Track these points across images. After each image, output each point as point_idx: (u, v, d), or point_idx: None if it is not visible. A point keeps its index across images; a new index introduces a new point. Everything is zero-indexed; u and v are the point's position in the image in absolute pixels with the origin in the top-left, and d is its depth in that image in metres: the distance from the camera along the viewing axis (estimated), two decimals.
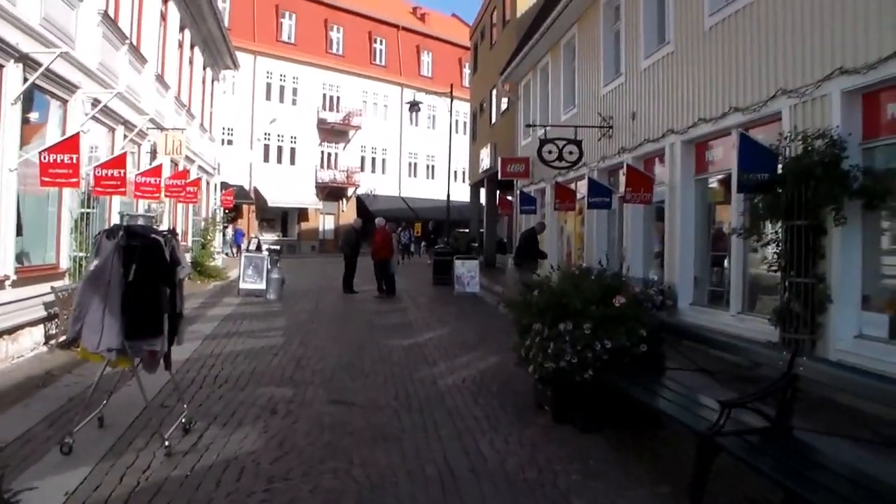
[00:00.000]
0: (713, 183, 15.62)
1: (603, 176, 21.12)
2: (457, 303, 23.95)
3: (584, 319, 8.84)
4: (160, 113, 21.64)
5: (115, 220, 16.97)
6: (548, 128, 21.85)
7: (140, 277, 6.89)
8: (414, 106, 37.88)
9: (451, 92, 38.58)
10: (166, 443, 7.39)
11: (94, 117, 15.27)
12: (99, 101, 15.10)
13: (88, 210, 15.37)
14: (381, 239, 25.54)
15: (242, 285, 23.40)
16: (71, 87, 14.20)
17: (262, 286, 23.17)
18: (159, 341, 7.24)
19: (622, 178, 18.59)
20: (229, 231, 55.34)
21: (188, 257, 27.88)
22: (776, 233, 11.20)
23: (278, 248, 26.10)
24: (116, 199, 17.20)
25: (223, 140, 52.27)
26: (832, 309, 10.48)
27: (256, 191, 57.12)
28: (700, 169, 15.69)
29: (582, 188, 22.51)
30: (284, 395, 10.19)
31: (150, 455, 7.33)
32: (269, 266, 23.41)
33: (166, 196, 21.53)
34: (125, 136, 17.79)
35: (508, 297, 10.74)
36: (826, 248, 10.56)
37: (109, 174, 14.30)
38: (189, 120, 27.62)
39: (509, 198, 32.96)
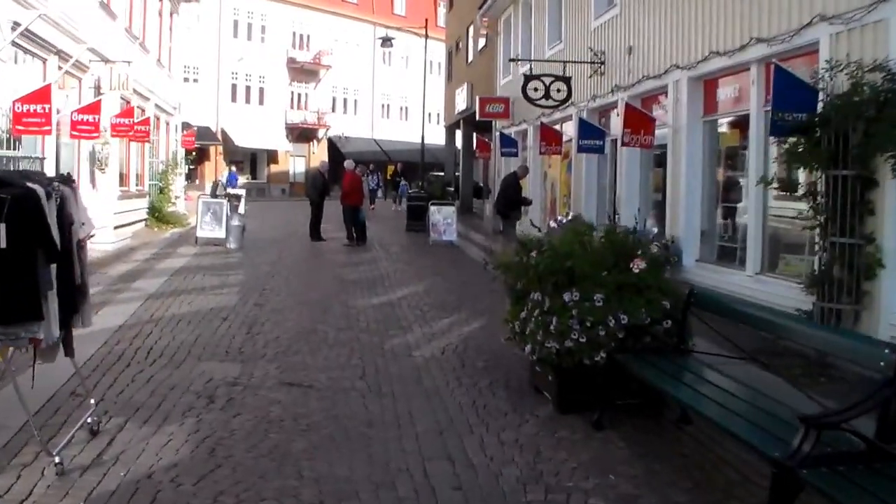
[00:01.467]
0: (724, 125, 13.91)
1: (593, 117, 19.36)
2: (433, 253, 22.26)
3: (594, 288, 7.18)
4: (105, 44, 19.56)
5: (50, 164, 15.10)
6: (533, 63, 19.90)
7: (13, 243, 5.06)
8: (386, 41, 35.77)
9: (427, 28, 36.53)
10: (56, 459, 5.61)
11: (15, 44, 13.26)
12: (19, 24, 13.08)
13: (11, 153, 13.33)
14: (351, 183, 23.73)
15: (200, 233, 21.57)
16: None
17: (222, 234, 21.33)
18: (41, 327, 5.40)
19: (616, 119, 16.95)
20: (224, 173, 53.27)
21: (144, 202, 25.95)
22: (814, 184, 9.51)
23: (240, 192, 24.14)
24: (51, 140, 15.26)
25: (187, 79, 49.97)
26: (883, 275, 8.82)
27: (224, 132, 54.89)
28: (709, 109, 13.95)
29: (569, 130, 20.78)
30: (228, 375, 8.44)
31: (36, 474, 5.55)
32: (229, 212, 21.54)
33: (113, 136, 19.57)
34: (60, 69, 15.79)
35: (500, 258, 8.97)
36: (877, 203, 8.87)
37: (31, 109, 12.38)
38: (143, 54, 25.52)
39: (487, 140, 31.05)
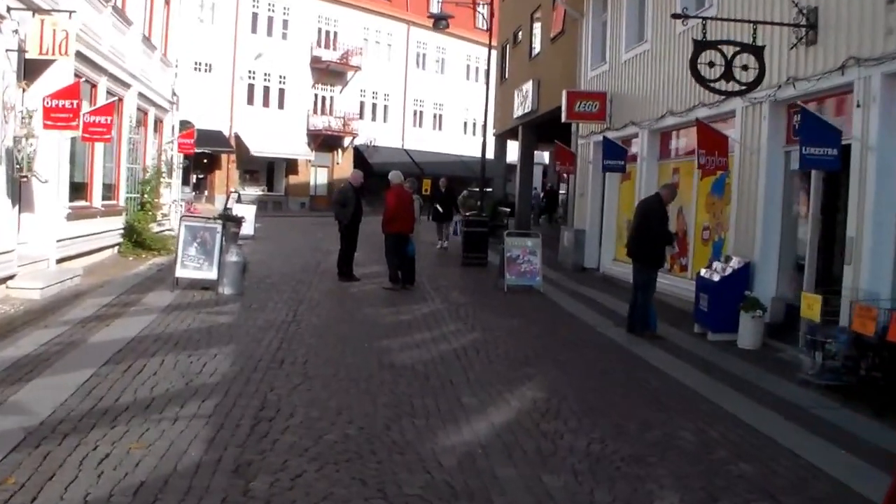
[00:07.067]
0: None
1: (780, 111, 12.66)
2: (514, 304, 15.71)
3: None
4: None
5: None
6: (702, 21, 12.63)
7: None
8: (439, 21, 28.89)
9: (491, 7, 29.78)
10: None
11: None
12: None
13: None
14: (398, 204, 16.97)
15: (181, 272, 14.81)
16: None
17: (212, 274, 14.65)
18: None
19: (856, 112, 10.31)
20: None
21: (119, 222, 19.41)
22: None
23: (239, 215, 17.42)
24: None
25: (197, 74, 43.94)
26: None
27: (238, 137, 48.29)
28: None
29: (729, 131, 14.02)
30: None
31: None
32: (224, 243, 14.87)
33: (47, 126, 12.91)
34: None
35: None
36: None
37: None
38: (120, 24, 18.98)
39: (571, 150, 23.92)
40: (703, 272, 13.57)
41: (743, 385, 9.90)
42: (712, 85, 11.73)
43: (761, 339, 12.12)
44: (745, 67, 11.66)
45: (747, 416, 8.42)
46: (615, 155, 18.36)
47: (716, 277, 12.99)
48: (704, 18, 12.28)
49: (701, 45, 11.67)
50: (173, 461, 6.11)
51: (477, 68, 63.73)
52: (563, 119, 21.04)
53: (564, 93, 20.87)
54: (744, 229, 13.46)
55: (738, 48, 11.72)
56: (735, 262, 12.99)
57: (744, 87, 11.77)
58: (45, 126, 12.81)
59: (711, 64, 11.62)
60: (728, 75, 11.59)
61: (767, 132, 12.73)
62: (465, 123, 63.86)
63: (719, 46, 11.70)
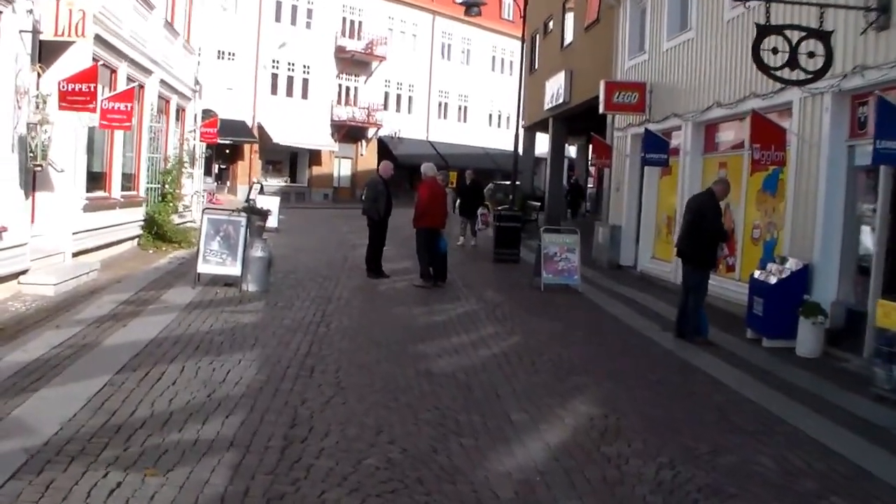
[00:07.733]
0: None
1: (844, 103, 11.77)
2: (553, 305, 14.91)
3: None
4: None
5: None
6: (765, 4, 11.64)
7: None
8: (471, 7, 27.79)
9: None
10: None
11: None
12: None
13: None
14: (431, 197, 16.20)
15: (202, 268, 14.01)
16: None
17: (236, 270, 13.88)
18: None
19: None
20: None
21: (139, 213, 18.75)
22: None
23: (265, 207, 16.59)
24: None
25: (221, 61, 43.32)
26: None
27: (261, 127, 47.65)
28: None
29: (783, 124, 13.11)
30: None
31: None
32: (248, 237, 14.12)
33: (63, 107, 12.19)
34: None
35: None
36: None
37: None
38: (142, 8, 18.25)
39: (607, 142, 22.89)
40: (757, 274, 12.67)
41: (812, 399, 9.06)
42: (776, 73, 10.84)
43: (822, 346, 11.28)
44: (811, 55, 10.78)
45: (826, 438, 7.59)
46: (657, 148, 17.47)
47: (772, 280, 12.11)
48: (767, 1, 11.35)
49: (764, 30, 10.77)
50: (194, 493, 5.34)
51: (503, 59, 63.00)
52: (601, 110, 20.19)
53: (602, 83, 20.00)
54: (801, 229, 12.59)
55: (804, 33, 10.82)
56: (792, 264, 12.12)
57: (810, 76, 10.84)
58: (61, 107, 12.11)
59: (775, 50, 10.74)
60: (793, 63, 10.68)
61: (829, 125, 11.85)
62: (491, 115, 63.07)
63: (784, 31, 10.80)
